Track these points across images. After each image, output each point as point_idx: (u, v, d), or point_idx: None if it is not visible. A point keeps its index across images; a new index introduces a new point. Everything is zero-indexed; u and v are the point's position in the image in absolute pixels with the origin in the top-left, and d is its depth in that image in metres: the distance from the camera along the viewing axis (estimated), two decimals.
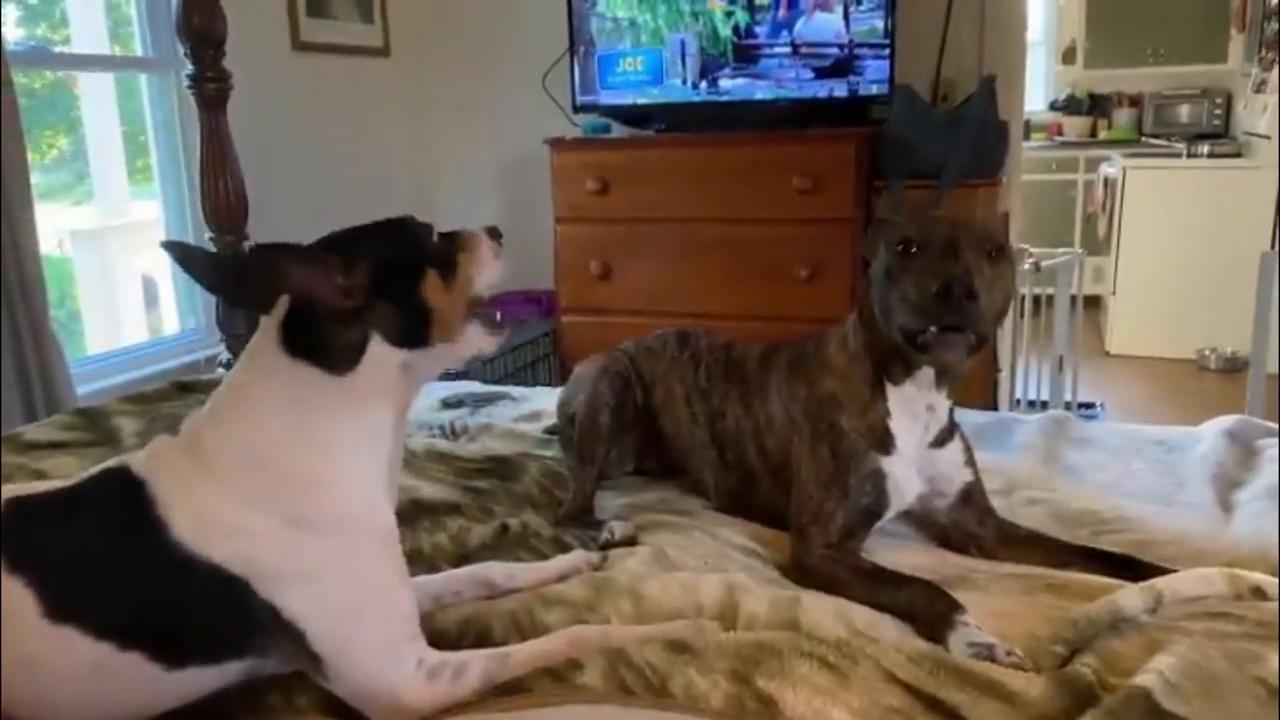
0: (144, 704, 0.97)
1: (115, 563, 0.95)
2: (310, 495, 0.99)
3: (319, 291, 0.97)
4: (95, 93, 3.17)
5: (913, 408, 1.37)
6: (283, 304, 1.01)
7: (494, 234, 1.14)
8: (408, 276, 1.03)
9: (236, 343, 2.59)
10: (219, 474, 0.98)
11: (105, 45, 3.12)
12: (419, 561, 1.35)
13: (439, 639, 1.10)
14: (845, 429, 1.37)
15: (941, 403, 1.38)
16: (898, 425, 1.37)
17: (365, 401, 1.02)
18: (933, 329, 1.20)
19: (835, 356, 1.41)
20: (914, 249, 1.25)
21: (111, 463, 1.04)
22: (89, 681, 0.93)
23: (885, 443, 1.37)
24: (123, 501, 0.97)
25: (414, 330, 1.03)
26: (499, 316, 1.14)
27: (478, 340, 1.11)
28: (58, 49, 3.08)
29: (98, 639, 0.92)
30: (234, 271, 1.17)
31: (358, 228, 1.05)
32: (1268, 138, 4.92)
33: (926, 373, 1.34)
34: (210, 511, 0.96)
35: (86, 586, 0.94)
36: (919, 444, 1.38)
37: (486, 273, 1.11)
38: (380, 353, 1.01)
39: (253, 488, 0.98)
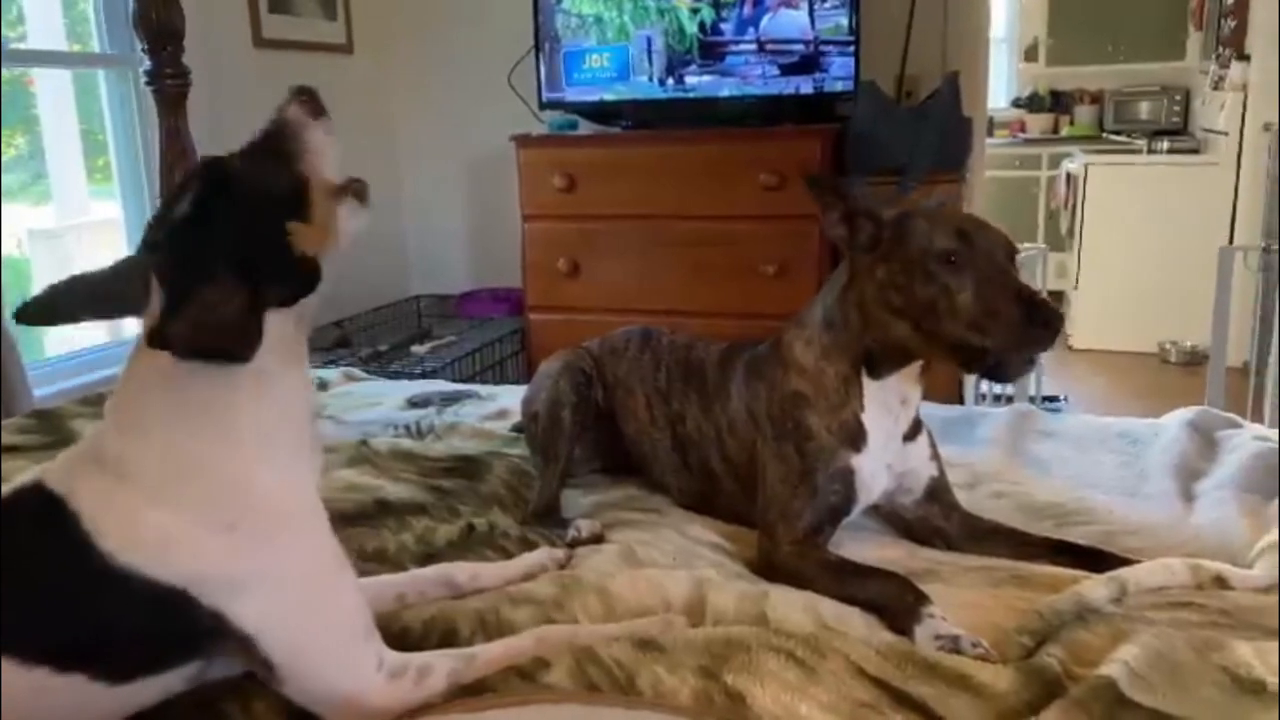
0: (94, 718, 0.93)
1: (43, 584, 0.90)
2: (242, 498, 0.93)
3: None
4: (52, 90, 3.12)
5: (888, 402, 1.37)
6: (154, 302, 0.92)
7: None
8: (276, 245, 0.94)
9: None
10: (141, 484, 0.92)
11: (62, 42, 3.07)
12: (384, 562, 1.33)
13: (403, 637, 1.08)
14: (814, 427, 1.36)
15: (915, 394, 1.38)
16: (871, 420, 1.36)
17: (274, 375, 0.95)
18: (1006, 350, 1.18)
19: (802, 355, 1.39)
20: (954, 258, 1.20)
21: (25, 479, 0.97)
22: (29, 706, 0.88)
23: (857, 439, 1.36)
24: (43, 520, 0.91)
25: (301, 282, 0.96)
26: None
27: (354, 223, 1.02)
28: (13, 46, 3.02)
29: (33, 665, 0.87)
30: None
31: (186, 217, 0.93)
32: (1226, 134, 4.99)
33: (914, 367, 1.34)
34: (139, 523, 0.90)
35: (13, 612, 0.88)
36: (890, 437, 1.38)
37: (328, 159, 1.00)
38: (275, 321, 0.93)
39: (181, 496, 0.92)
